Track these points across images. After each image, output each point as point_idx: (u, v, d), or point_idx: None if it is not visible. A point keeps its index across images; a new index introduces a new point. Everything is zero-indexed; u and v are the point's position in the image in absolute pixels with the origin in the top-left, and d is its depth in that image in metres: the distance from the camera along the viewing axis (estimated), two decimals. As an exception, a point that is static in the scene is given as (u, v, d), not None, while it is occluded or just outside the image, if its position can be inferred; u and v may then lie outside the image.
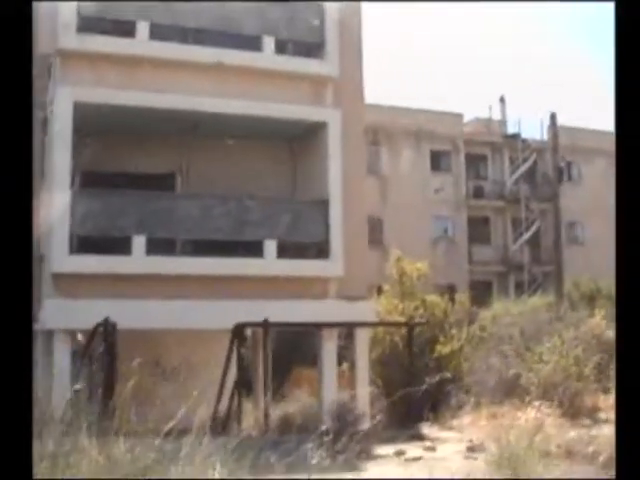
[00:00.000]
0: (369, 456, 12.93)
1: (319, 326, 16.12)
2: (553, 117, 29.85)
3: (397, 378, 17.61)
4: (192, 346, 16.71)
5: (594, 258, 37.19)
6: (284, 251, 16.12)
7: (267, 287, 15.71)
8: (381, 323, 18.80)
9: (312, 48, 16.91)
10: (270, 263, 15.95)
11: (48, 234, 14.75)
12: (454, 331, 20.13)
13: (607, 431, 12.21)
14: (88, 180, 15.82)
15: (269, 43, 16.23)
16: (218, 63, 15.68)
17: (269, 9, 16.45)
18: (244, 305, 15.33)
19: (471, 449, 13.73)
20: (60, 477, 6.64)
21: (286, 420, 16.11)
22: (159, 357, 16.42)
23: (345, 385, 17.30)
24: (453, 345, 19.52)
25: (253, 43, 16.24)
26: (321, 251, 16.39)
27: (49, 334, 14.66)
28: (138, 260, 15.25)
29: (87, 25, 15.13)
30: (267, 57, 16.21)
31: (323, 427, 15.40)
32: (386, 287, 21.34)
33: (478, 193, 42.34)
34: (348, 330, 17.63)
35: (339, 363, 17.43)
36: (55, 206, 14.79)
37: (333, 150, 16.61)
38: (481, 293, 33.96)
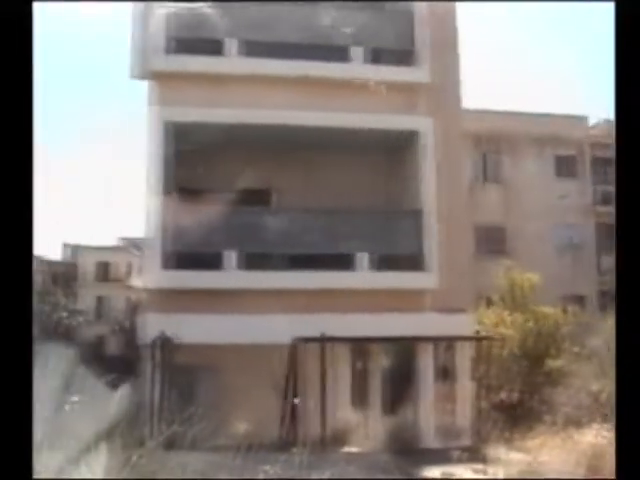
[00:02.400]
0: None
1: (413, 340, 15.75)
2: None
3: (495, 394, 16.99)
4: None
5: None
6: (377, 263, 15.85)
7: (360, 300, 15.48)
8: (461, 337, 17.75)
9: (403, 55, 16.58)
10: (363, 276, 15.72)
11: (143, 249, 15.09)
12: (567, 345, 19.29)
13: None
14: (182, 197, 16.08)
15: (358, 53, 16.04)
16: (305, 76, 15.63)
17: (356, 18, 16.25)
18: (337, 319, 15.17)
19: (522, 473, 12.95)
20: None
21: (389, 435, 15.86)
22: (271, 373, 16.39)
23: (446, 400, 16.83)
24: (564, 359, 18.66)
25: (341, 54, 16.09)
26: (416, 263, 16.01)
27: (144, 347, 14.98)
28: (230, 275, 15.36)
29: (176, 46, 15.40)
30: (356, 67, 16.02)
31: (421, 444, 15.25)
32: (495, 298, 20.73)
33: (606, 199, 40.56)
34: (448, 344, 17.14)
35: (443, 378, 17.01)
36: (149, 223, 15.13)
37: (426, 159, 16.23)
38: (612, 305, 32.45)
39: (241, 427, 9.54)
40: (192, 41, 15.71)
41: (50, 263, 68.87)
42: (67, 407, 9.85)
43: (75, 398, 10.09)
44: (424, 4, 16.42)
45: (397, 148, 17.10)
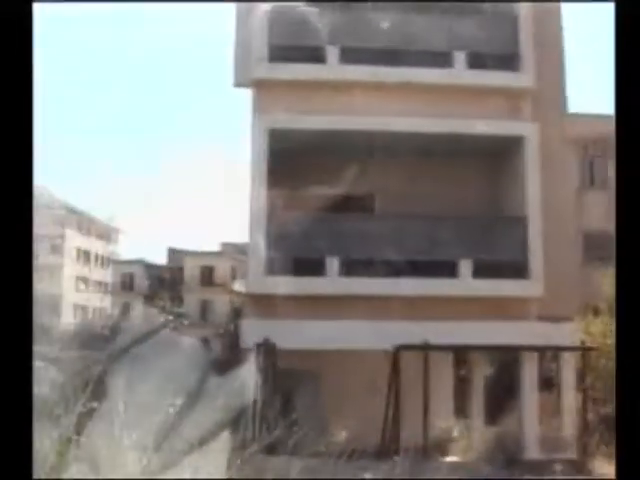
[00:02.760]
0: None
1: (517, 349, 15.46)
2: None
3: (602, 406, 16.47)
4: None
5: None
6: (481, 270, 15.65)
7: (462, 308, 15.30)
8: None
9: (506, 60, 16.32)
10: (465, 283, 15.55)
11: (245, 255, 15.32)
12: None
13: None
14: (285, 203, 16.25)
15: (460, 58, 15.88)
16: (407, 82, 15.58)
17: (458, 23, 16.11)
18: (439, 326, 15.04)
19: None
20: None
21: (492, 445, 15.63)
22: (372, 380, 16.39)
23: (551, 411, 16.44)
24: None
25: (443, 59, 15.97)
26: (520, 270, 15.73)
27: (246, 351, 15.19)
28: (332, 281, 15.43)
29: (279, 54, 15.59)
30: (458, 72, 15.88)
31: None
32: (603, 307, 20.09)
33: None
34: (553, 353, 16.75)
35: (548, 388, 16.66)
36: (252, 229, 15.36)
37: (531, 165, 15.93)
38: None
39: (342, 433, 9.56)
40: (293, 49, 15.85)
41: (157, 268, 70.72)
42: (172, 409, 10.07)
43: (179, 401, 10.32)
44: (528, 5, 16.13)
45: (501, 154, 16.84)
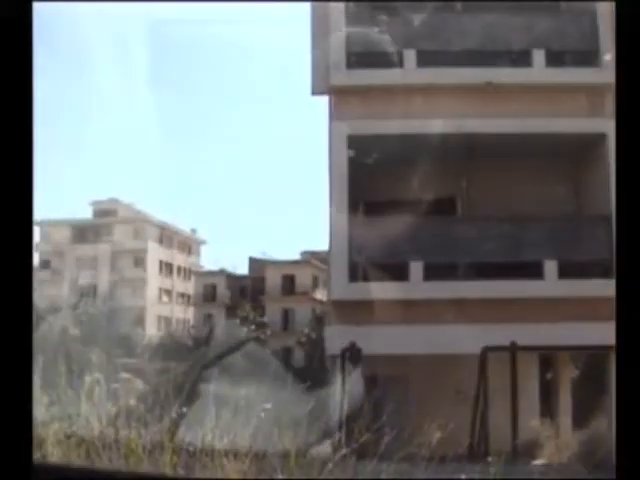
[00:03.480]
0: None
1: (605, 349, 15.14)
2: None
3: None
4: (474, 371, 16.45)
5: None
6: (566, 271, 15.42)
7: (548, 309, 15.10)
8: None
9: (587, 56, 16.07)
10: (551, 284, 15.34)
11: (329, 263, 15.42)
12: None
13: None
14: (366, 208, 16.32)
15: (539, 56, 15.71)
16: (487, 83, 15.47)
17: (536, 21, 15.93)
18: (525, 328, 14.88)
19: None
20: None
21: (582, 448, 15.37)
22: (459, 383, 16.28)
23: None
24: None
25: (523, 58, 15.82)
26: (606, 270, 15.43)
27: (332, 358, 15.28)
28: (417, 285, 15.41)
29: (357, 60, 15.68)
30: (538, 71, 15.70)
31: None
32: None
33: None
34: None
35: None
36: (335, 236, 15.46)
37: (614, 163, 15.61)
38: None
39: (432, 437, 9.54)
40: (370, 55, 15.91)
41: (238, 278, 71.53)
42: (261, 414, 10.23)
43: (267, 405, 10.45)
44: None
45: (584, 152, 16.58)
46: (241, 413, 10.18)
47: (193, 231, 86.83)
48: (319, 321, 47.34)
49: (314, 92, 16.13)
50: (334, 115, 15.94)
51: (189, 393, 11.11)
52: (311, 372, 24.50)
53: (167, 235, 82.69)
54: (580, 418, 16.22)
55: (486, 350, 15.01)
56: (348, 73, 15.66)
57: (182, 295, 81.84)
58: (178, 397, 9.75)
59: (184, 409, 9.60)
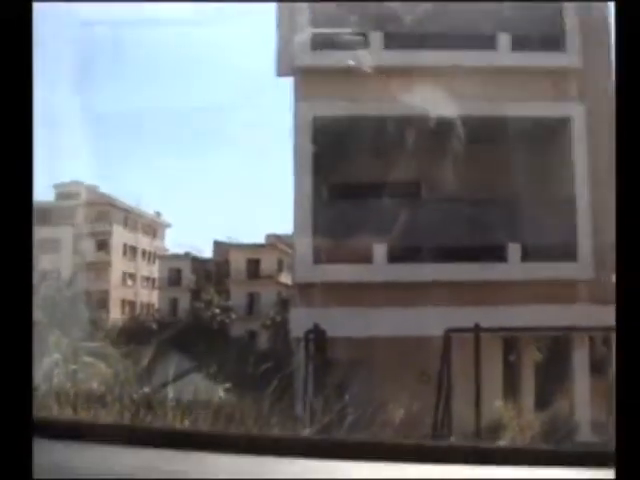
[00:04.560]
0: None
1: (567, 330, 15.32)
2: None
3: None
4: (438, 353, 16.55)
5: None
6: (529, 254, 15.54)
7: (512, 292, 15.21)
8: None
9: (552, 41, 16.13)
10: (515, 267, 15.45)
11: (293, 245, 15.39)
12: None
13: None
14: (331, 191, 16.27)
15: (505, 40, 15.75)
16: (453, 66, 15.47)
17: (503, 5, 15.94)
18: (488, 311, 14.96)
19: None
20: None
21: (544, 429, 15.54)
22: (424, 365, 16.34)
23: (603, 395, 16.29)
24: None
25: (488, 42, 15.85)
26: (569, 253, 15.58)
27: (296, 340, 15.28)
28: (380, 268, 15.43)
29: (320, 41, 15.61)
30: (503, 55, 15.74)
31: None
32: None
33: None
34: (605, 336, 16.57)
35: (599, 371, 16.48)
36: (298, 218, 15.41)
37: (578, 147, 15.76)
38: None
39: (395, 417, 9.57)
40: (335, 36, 15.85)
41: (203, 261, 71.20)
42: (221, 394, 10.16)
43: (227, 385, 10.38)
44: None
45: (548, 136, 16.67)
46: (203, 394, 10.14)
47: (158, 214, 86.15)
48: (284, 304, 47.31)
49: (279, 74, 16.05)
50: (298, 96, 15.85)
51: (150, 375, 11.02)
52: (274, 354, 24.48)
53: (131, 218, 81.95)
54: (542, 399, 16.40)
55: (449, 332, 15.06)
56: (312, 54, 15.58)
57: (147, 279, 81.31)
58: (140, 380, 9.70)
59: (146, 390, 9.54)
